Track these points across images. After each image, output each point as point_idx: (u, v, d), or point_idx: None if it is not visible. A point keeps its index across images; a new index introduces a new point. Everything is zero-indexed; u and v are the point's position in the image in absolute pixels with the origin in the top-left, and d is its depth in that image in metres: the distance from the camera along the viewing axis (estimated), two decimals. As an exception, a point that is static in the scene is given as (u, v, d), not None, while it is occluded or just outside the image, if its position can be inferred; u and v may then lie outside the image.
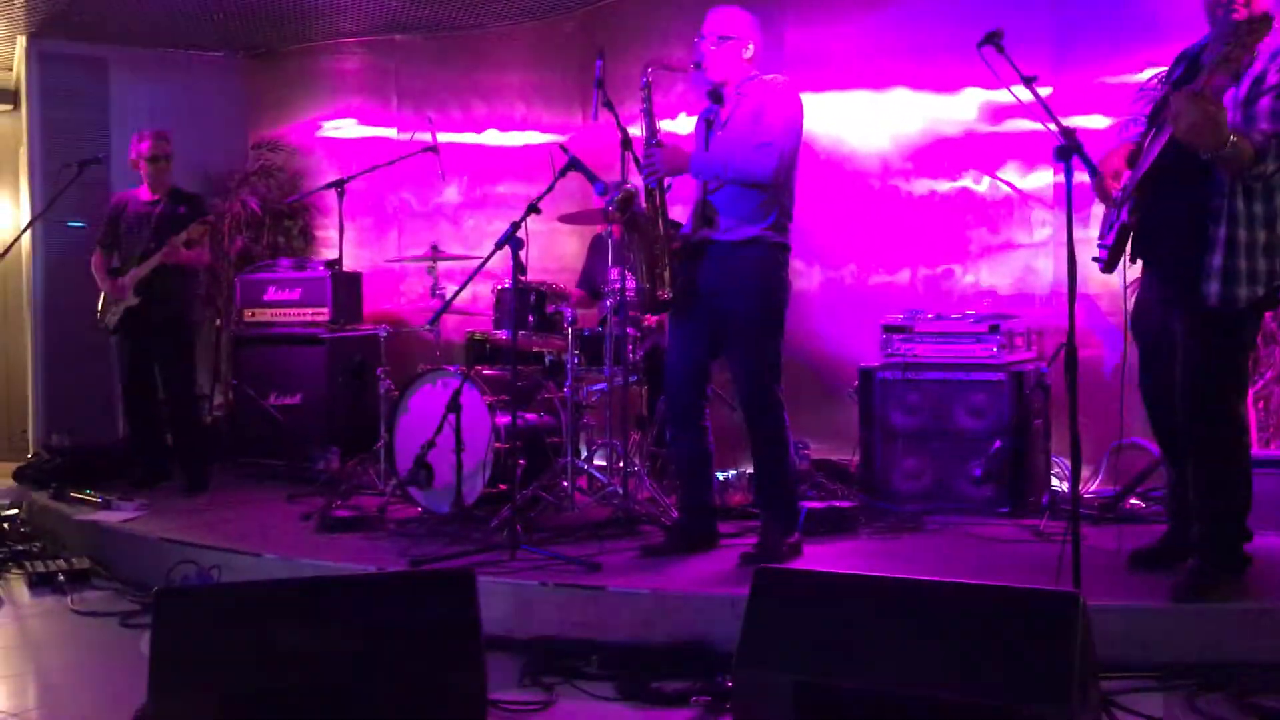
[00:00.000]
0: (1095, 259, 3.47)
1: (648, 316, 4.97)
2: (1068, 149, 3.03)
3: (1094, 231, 4.45)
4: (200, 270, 6.00)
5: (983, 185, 5.60)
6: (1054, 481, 4.95)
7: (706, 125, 4.08)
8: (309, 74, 7.52)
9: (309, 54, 7.48)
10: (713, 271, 3.98)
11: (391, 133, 7.32)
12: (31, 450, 6.68)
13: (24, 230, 6.33)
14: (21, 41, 7.03)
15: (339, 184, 5.43)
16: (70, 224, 6.71)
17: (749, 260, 3.92)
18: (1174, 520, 3.73)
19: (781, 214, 3.96)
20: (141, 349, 5.70)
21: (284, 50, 7.50)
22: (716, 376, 4.30)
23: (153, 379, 5.74)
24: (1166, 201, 3.31)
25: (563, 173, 4.19)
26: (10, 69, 7.58)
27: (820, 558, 4.01)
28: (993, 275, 5.59)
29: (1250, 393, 4.42)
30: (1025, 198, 5.48)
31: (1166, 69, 3.62)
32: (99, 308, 5.73)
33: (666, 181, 4.06)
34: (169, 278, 5.59)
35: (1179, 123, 3.03)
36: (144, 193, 5.77)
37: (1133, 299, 3.67)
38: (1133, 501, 4.65)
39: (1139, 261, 3.50)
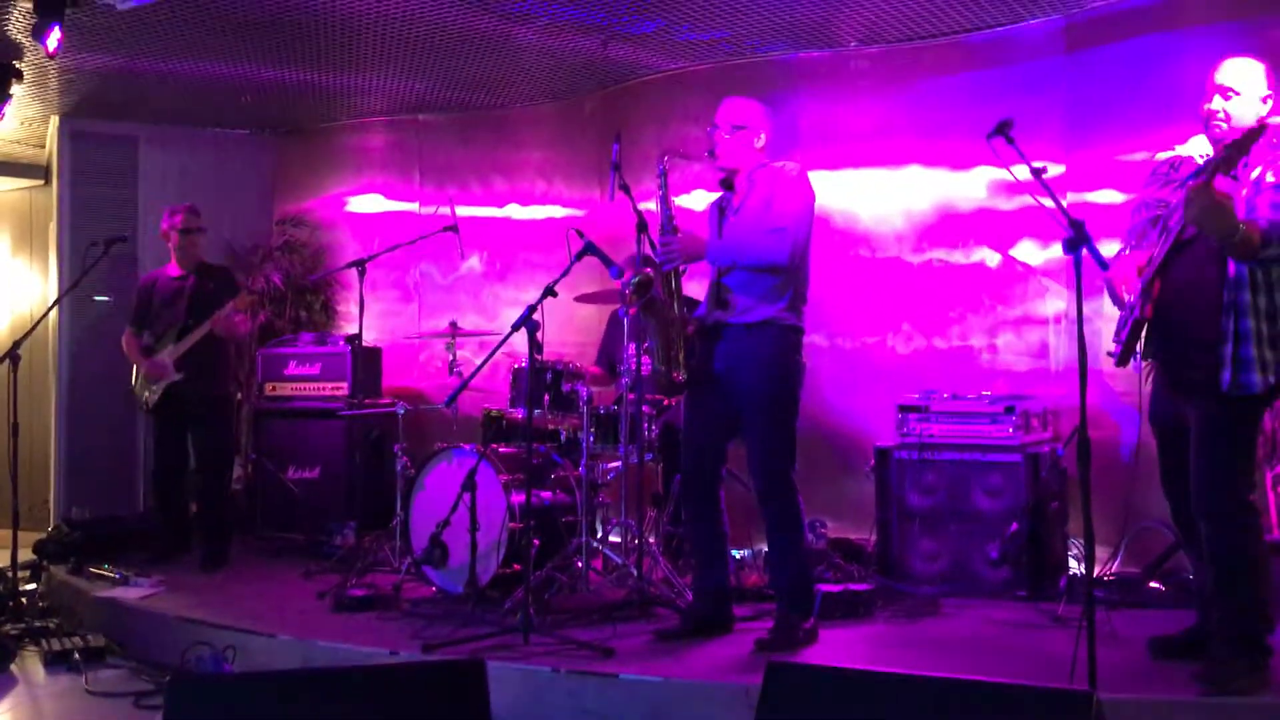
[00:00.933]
0: (1109, 353, 3.51)
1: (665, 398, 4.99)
2: (1077, 241, 3.06)
3: (1106, 305, 4.48)
4: (237, 342, 6.09)
5: (997, 262, 5.63)
6: (1072, 564, 4.91)
7: (719, 212, 4.15)
8: (335, 151, 7.66)
9: (335, 132, 7.63)
10: (727, 353, 4.01)
11: (414, 207, 7.43)
12: (52, 523, 6.72)
13: (51, 307, 6.44)
14: (55, 120, 7.20)
15: (360, 264, 5.51)
16: (96, 298, 6.83)
17: (763, 342, 3.95)
18: (1202, 609, 3.69)
19: (796, 296, 4.00)
20: (178, 423, 5.78)
21: (311, 128, 7.65)
22: (732, 454, 4.30)
23: (184, 453, 5.81)
24: (1177, 297, 3.41)
25: (578, 257, 4.25)
26: (43, 146, 7.77)
27: (836, 643, 3.98)
28: (1008, 351, 5.59)
29: (1269, 476, 4.40)
30: (1039, 275, 5.50)
31: (1179, 149, 3.70)
32: (133, 386, 5.81)
33: (682, 266, 4.11)
34: (208, 353, 5.69)
35: (1190, 209, 3.22)
36: (172, 269, 5.88)
37: (1148, 383, 3.69)
38: (1152, 584, 4.60)
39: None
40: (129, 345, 5.86)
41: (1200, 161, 3.50)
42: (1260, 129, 3.22)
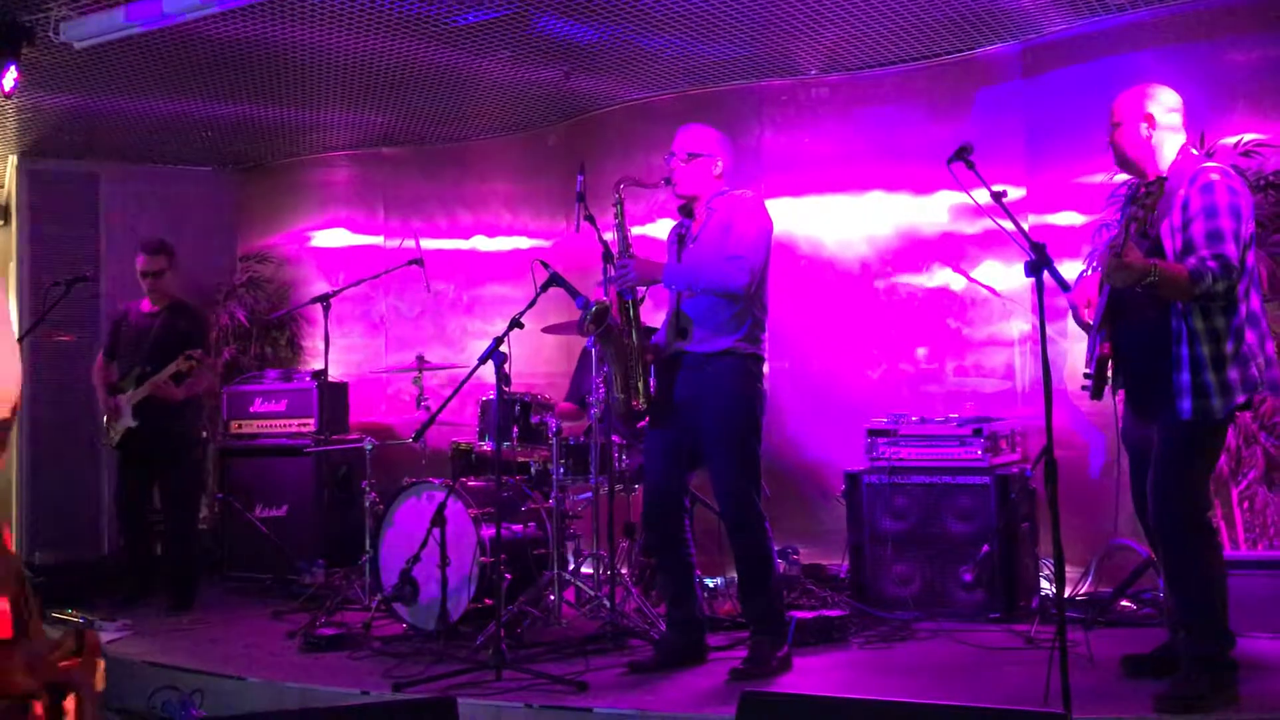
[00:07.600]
0: (1084, 388, 3.52)
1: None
2: (1038, 264, 3.08)
3: (1070, 326, 4.51)
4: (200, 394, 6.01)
5: (961, 285, 5.66)
6: (1044, 585, 4.92)
7: (678, 240, 4.15)
8: (298, 185, 7.61)
9: (297, 167, 7.59)
10: (687, 382, 4.00)
11: (379, 240, 7.40)
12: (15, 568, 6.60)
13: (12, 348, 6.34)
14: (13, 160, 7.13)
15: (325, 299, 5.48)
16: (58, 338, 6.74)
17: (723, 371, 3.94)
18: (1171, 627, 3.70)
19: (755, 325, 3.99)
20: (141, 465, 5.70)
21: (273, 163, 7.61)
22: (704, 481, 4.28)
23: (148, 494, 5.74)
24: (1131, 328, 3.44)
25: (544, 288, 4.24)
26: (1, 186, 7.68)
27: (810, 671, 3.96)
28: (974, 374, 5.63)
29: (1234, 493, 4.44)
30: (1002, 298, 5.54)
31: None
32: (104, 422, 5.74)
33: (640, 292, 4.11)
34: (168, 399, 5.60)
35: (1112, 278, 3.25)
36: (145, 304, 5.83)
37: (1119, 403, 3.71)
38: (1123, 603, 4.62)
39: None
40: (97, 373, 5.81)
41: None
42: (1160, 183, 3.21)
